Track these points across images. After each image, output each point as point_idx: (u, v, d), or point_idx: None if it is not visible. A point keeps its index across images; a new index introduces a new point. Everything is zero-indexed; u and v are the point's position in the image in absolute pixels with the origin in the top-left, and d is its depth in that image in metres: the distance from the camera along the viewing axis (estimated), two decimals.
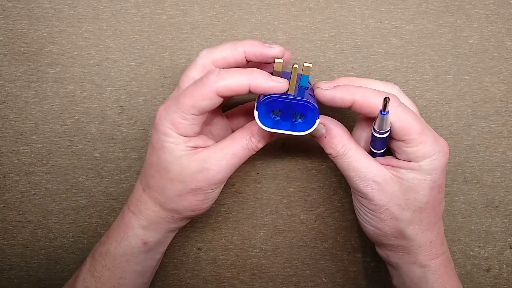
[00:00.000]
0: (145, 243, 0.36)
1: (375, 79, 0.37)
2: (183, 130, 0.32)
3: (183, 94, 0.32)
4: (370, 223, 0.35)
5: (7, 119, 0.42)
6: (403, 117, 0.32)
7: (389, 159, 0.35)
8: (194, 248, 0.44)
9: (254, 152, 0.35)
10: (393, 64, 0.42)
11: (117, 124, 0.42)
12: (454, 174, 0.43)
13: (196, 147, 0.33)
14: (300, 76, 0.34)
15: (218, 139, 0.36)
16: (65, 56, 0.41)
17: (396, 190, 0.33)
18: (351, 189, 0.35)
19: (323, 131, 0.34)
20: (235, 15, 0.41)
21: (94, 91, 0.42)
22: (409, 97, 0.42)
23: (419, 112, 0.42)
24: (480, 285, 0.44)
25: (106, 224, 0.43)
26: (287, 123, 0.33)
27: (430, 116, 0.42)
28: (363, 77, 0.35)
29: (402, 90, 0.42)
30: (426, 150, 0.32)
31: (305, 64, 0.33)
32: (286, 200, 0.43)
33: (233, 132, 0.37)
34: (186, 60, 0.41)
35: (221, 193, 0.41)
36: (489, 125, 0.43)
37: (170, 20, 0.41)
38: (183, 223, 0.37)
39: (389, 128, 0.33)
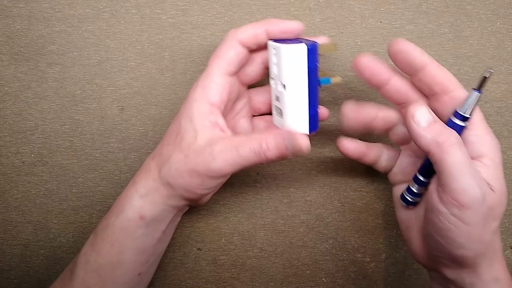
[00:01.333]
0: (142, 217, 0.35)
1: None
2: (211, 94, 0.34)
3: (211, 57, 0.35)
4: (461, 241, 0.31)
5: (7, 119, 0.42)
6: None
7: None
8: (194, 248, 0.44)
9: (261, 161, 0.33)
10: (393, 64, 0.42)
11: (117, 124, 0.42)
12: None
13: (215, 125, 0.34)
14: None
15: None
16: (65, 56, 0.41)
17: (494, 199, 0.31)
18: (450, 195, 0.30)
19: (431, 116, 0.31)
20: (235, 15, 0.41)
21: (94, 91, 0.42)
22: None
23: None
24: None
25: None
26: None
27: None
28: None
29: None
30: (489, 138, 0.32)
31: (335, 80, 0.35)
32: (286, 200, 0.43)
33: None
34: (186, 60, 0.41)
35: (221, 193, 0.41)
36: (489, 125, 0.42)
37: (170, 20, 0.41)
38: (178, 203, 0.35)
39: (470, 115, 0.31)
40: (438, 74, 0.32)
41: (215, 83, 0.34)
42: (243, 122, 0.39)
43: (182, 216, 0.39)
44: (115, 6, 0.41)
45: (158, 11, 0.41)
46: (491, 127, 0.42)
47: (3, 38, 0.41)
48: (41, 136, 0.42)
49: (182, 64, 0.42)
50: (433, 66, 0.32)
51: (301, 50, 0.32)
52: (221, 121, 0.34)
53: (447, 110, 0.32)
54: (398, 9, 0.41)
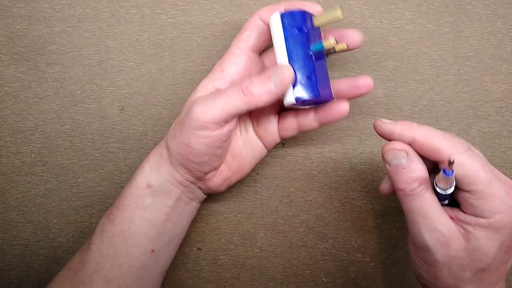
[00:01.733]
0: (149, 186, 0.35)
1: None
2: (225, 62, 0.35)
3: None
4: (423, 276, 0.32)
5: (7, 119, 0.42)
6: (468, 164, 0.29)
7: (456, 212, 0.31)
8: (194, 248, 0.44)
9: (248, 102, 0.32)
10: (393, 64, 0.42)
11: (117, 124, 0.42)
12: None
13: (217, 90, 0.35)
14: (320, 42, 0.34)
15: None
16: (65, 56, 0.41)
17: (461, 250, 0.30)
18: (410, 236, 0.32)
19: (404, 160, 0.31)
20: (235, 15, 0.41)
21: (94, 91, 0.42)
22: (409, 97, 0.42)
23: (419, 112, 0.42)
24: None
25: None
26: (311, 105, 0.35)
27: (430, 116, 0.42)
28: (425, 125, 0.32)
29: (402, 90, 0.42)
30: (495, 204, 0.29)
31: (340, 46, 0.33)
32: (286, 200, 0.43)
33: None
34: (186, 60, 0.41)
35: (221, 193, 0.41)
36: (489, 125, 0.43)
37: (170, 20, 0.41)
38: (180, 177, 0.35)
39: (453, 185, 0.30)
40: (427, 146, 0.31)
41: (232, 53, 0.35)
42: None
43: None
44: (115, 6, 0.41)
45: (158, 11, 0.41)
46: (491, 127, 0.43)
47: (3, 38, 0.41)
48: (41, 136, 0.42)
49: (182, 64, 0.42)
50: (420, 139, 0.31)
51: (275, 17, 0.33)
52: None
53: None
54: (398, 9, 0.41)
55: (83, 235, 0.43)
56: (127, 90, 0.42)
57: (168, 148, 0.35)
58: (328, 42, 0.32)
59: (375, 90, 0.42)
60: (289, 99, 0.33)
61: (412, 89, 0.42)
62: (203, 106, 0.32)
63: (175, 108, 0.42)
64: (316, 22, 0.33)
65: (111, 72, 0.41)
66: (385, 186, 0.36)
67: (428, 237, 0.30)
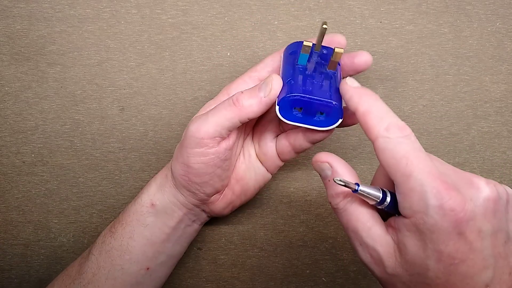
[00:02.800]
0: (152, 205, 0.36)
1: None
2: (233, 87, 0.35)
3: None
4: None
5: (7, 119, 0.42)
6: (390, 151, 0.26)
7: (392, 219, 0.27)
8: (194, 248, 0.44)
9: (240, 114, 0.31)
10: (393, 64, 0.42)
11: (117, 124, 0.42)
12: None
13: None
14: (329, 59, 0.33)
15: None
16: (65, 56, 0.41)
17: (397, 266, 0.26)
18: None
19: (329, 172, 0.29)
20: (235, 15, 0.41)
21: (94, 91, 0.42)
22: (409, 97, 0.42)
23: (419, 112, 0.42)
24: None
25: (106, 223, 0.43)
26: (309, 118, 0.32)
27: (430, 116, 0.42)
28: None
29: (402, 90, 0.42)
30: (413, 200, 0.25)
31: (336, 50, 0.31)
32: (286, 200, 0.43)
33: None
34: (186, 60, 0.41)
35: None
36: (489, 125, 0.43)
37: (170, 20, 0.41)
38: (185, 200, 0.35)
39: (381, 200, 0.27)
40: (361, 122, 0.28)
41: (242, 80, 0.35)
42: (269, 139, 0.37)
43: None
44: (115, 7, 0.41)
45: (158, 11, 0.41)
46: (491, 127, 0.43)
47: (3, 38, 0.41)
48: (41, 136, 0.42)
49: (182, 64, 0.42)
50: (359, 112, 0.28)
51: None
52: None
53: None
54: (398, 9, 0.41)
55: (83, 235, 0.44)
56: (127, 90, 0.42)
57: (172, 170, 0.35)
58: (303, 48, 0.32)
59: (375, 90, 0.42)
60: (276, 109, 0.32)
61: (412, 89, 0.42)
62: (197, 123, 0.32)
63: (175, 108, 0.42)
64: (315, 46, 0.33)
65: (111, 72, 0.42)
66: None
67: (361, 254, 0.28)
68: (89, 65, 0.41)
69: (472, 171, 0.43)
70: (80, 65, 0.41)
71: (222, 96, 0.35)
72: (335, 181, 0.27)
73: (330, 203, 0.29)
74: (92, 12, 0.41)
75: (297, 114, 0.32)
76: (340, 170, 0.29)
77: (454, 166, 0.43)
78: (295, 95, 0.31)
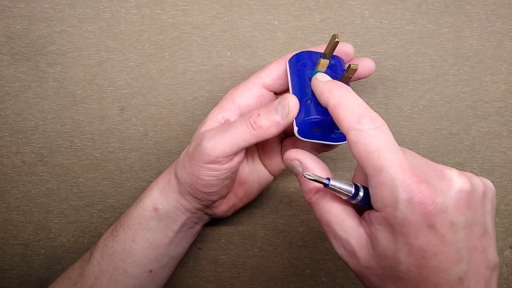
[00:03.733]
0: (155, 209, 0.36)
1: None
2: (237, 94, 0.34)
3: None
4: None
5: (8, 119, 0.42)
6: (363, 144, 0.26)
7: (366, 213, 0.28)
8: (194, 248, 0.44)
9: (257, 134, 0.31)
10: (393, 64, 0.42)
11: (117, 124, 0.42)
12: None
13: (226, 121, 0.34)
14: (342, 72, 0.33)
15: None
16: (65, 56, 0.41)
17: (370, 258, 0.26)
18: None
19: (300, 169, 0.29)
20: (235, 15, 0.41)
21: (94, 91, 0.42)
22: (409, 97, 0.42)
23: (419, 112, 0.42)
24: None
25: (106, 223, 0.43)
26: (327, 135, 0.33)
27: (430, 116, 0.42)
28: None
29: (402, 90, 0.42)
30: (384, 194, 0.25)
31: (352, 66, 0.30)
32: (286, 200, 0.43)
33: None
34: (186, 60, 0.41)
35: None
36: (489, 125, 0.43)
37: (170, 20, 0.41)
38: (189, 205, 0.36)
39: (353, 195, 0.27)
40: (334, 115, 0.28)
41: (246, 86, 0.35)
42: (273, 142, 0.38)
43: None
44: (116, 7, 0.41)
45: (158, 11, 0.41)
46: (491, 127, 0.43)
47: (3, 38, 0.41)
48: (41, 136, 0.42)
49: (182, 64, 0.42)
50: (330, 105, 0.28)
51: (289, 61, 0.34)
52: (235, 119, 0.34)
53: None
54: (398, 9, 0.41)
55: (83, 234, 0.44)
56: (127, 90, 0.42)
57: (177, 177, 0.35)
58: (320, 65, 0.32)
59: (375, 90, 0.42)
60: (294, 130, 0.32)
61: (412, 89, 0.42)
62: (213, 141, 0.32)
63: (175, 108, 0.42)
64: (324, 55, 0.33)
65: (111, 72, 0.42)
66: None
67: (336, 247, 0.28)
68: (89, 65, 0.41)
69: (472, 171, 0.43)
70: (80, 65, 0.41)
71: (227, 104, 0.35)
72: (305, 177, 0.27)
73: (304, 198, 0.29)
74: (92, 12, 0.41)
75: (315, 132, 0.32)
76: (310, 165, 0.29)
77: (454, 166, 0.43)
78: (316, 117, 0.31)
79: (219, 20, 0.41)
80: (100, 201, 0.43)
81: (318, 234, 0.44)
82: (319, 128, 0.32)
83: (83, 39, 0.41)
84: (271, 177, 0.39)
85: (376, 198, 0.25)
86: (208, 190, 0.34)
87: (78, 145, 0.42)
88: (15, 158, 0.42)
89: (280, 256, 0.44)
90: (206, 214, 0.38)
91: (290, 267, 0.44)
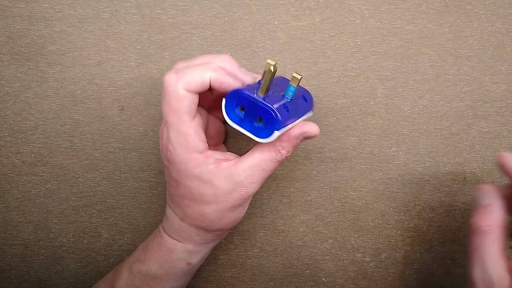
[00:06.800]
0: (189, 263, 0.37)
1: None
2: (194, 145, 0.32)
3: (164, 112, 0.32)
4: None
5: (7, 119, 0.42)
6: None
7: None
8: None
9: (280, 162, 0.34)
10: (393, 64, 0.42)
11: (117, 124, 0.42)
12: (454, 174, 0.43)
13: (219, 162, 0.33)
14: (288, 85, 0.33)
15: (216, 138, 0.37)
16: (65, 56, 0.41)
17: None
18: (468, 272, 0.33)
19: (490, 201, 0.34)
20: (235, 15, 0.41)
21: (94, 91, 0.42)
22: (409, 97, 0.42)
23: (419, 112, 0.42)
24: None
25: (106, 224, 0.43)
26: (250, 124, 0.32)
27: (430, 116, 0.42)
28: None
29: (402, 90, 0.42)
30: None
31: (294, 75, 0.32)
32: (286, 200, 0.43)
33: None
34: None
35: None
36: (489, 125, 0.43)
37: (170, 20, 0.41)
38: (226, 235, 0.39)
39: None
40: None
41: (191, 132, 0.33)
42: (210, 122, 0.38)
43: None
44: (115, 6, 0.41)
45: (158, 11, 0.41)
46: (491, 127, 0.43)
47: (3, 38, 0.41)
48: (41, 136, 0.42)
49: None
50: None
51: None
52: (219, 154, 0.34)
53: None
54: (398, 9, 0.41)
55: (83, 235, 0.44)
56: (127, 90, 0.42)
57: (217, 230, 0.36)
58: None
59: (375, 90, 0.42)
60: (222, 106, 0.32)
61: (412, 89, 0.42)
62: (252, 186, 0.34)
63: None
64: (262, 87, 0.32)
65: (111, 72, 0.42)
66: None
67: (476, 274, 0.32)
68: (89, 65, 0.41)
69: (472, 171, 0.43)
70: (80, 65, 0.41)
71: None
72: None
73: (478, 226, 0.33)
74: (92, 12, 0.41)
75: (240, 115, 0.32)
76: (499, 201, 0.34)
77: (454, 166, 0.43)
78: (239, 90, 0.31)
79: (219, 20, 0.41)
80: (99, 201, 0.43)
81: (318, 234, 0.44)
82: (244, 110, 0.32)
83: (83, 39, 0.41)
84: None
85: None
86: (245, 212, 0.37)
87: (78, 145, 0.42)
88: (15, 158, 0.42)
89: (280, 256, 0.44)
90: None
91: (290, 267, 0.44)
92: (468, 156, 0.43)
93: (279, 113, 0.31)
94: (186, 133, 0.32)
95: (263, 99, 0.31)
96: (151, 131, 0.42)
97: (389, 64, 0.42)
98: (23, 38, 0.41)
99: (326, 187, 0.43)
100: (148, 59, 0.41)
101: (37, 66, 0.41)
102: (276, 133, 0.31)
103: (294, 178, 0.43)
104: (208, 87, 0.32)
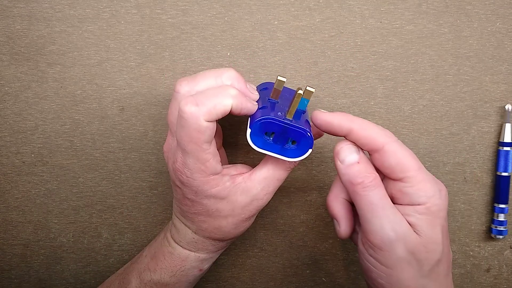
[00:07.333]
0: (200, 270, 0.38)
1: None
2: (212, 168, 0.32)
3: (182, 141, 0.31)
4: (383, 285, 0.31)
5: (7, 119, 0.42)
6: (399, 153, 0.30)
7: (401, 208, 0.31)
8: None
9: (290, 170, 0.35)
10: (393, 64, 0.42)
11: (117, 124, 0.42)
12: (454, 174, 0.43)
13: (234, 177, 0.34)
14: (293, 95, 0.33)
15: (218, 142, 0.38)
16: (65, 56, 0.41)
17: (417, 243, 0.29)
18: (367, 236, 0.30)
19: (358, 155, 0.31)
20: (235, 15, 0.41)
21: (94, 91, 0.42)
22: (409, 97, 0.42)
23: (419, 112, 0.42)
24: (480, 285, 0.45)
25: (106, 224, 0.43)
26: (278, 146, 0.32)
27: (430, 116, 0.42)
28: (362, 118, 0.32)
29: (402, 90, 0.42)
30: (427, 188, 0.30)
31: (308, 88, 0.32)
32: (286, 200, 0.43)
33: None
34: (186, 60, 0.41)
35: None
36: (489, 125, 0.43)
37: (170, 20, 0.41)
38: (226, 245, 0.39)
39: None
40: (363, 136, 0.31)
41: (210, 158, 0.32)
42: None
43: None
44: (115, 6, 0.41)
45: (158, 11, 0.41)
46: (491, 127, 0.43)
47: (3, 38, 0.41)
48: (41, 136, 0.42)
49: (182, 64, 0.42)
50: (356, 128, 0.31)
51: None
52: (233, 169, 0.35)
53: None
54: (398, 9, 0.41)
55: (83, 235, 0.44)
56: (127, 90, 0.42)
57: (231, 239, 0.37)
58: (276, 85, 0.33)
59: (375, 90, 0.42)
60: (247, 134, 0.32)
61: (412, 89, 0.42)
62: (268, 196, 0.35)
63: None
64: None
65: (111, 72, 0.42)
66: (344, 229, 0.33)
67: (390, 230, 0.29)
68: (89, 65, 0.41)
69: (472, 171, 0.43)
70: (80, 65, 0.41)
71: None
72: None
73: (361, 183, 0.31)
74: (92, 12, 0.41)
75: (268, 142, 0.32)
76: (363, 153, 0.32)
77: (454, 166, 0.43)
78: (271, 118, 0.31)
79: (219, 20, 0.41)
80: (99, 201, 0.43)
81: (318, 234, 0.44)
82: (273, 135, 0.32)
83: (83, 39, 0.41)
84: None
85: (419, 193, 0.30)
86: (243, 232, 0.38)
87: (78, 145, 0.42)
88: (15, 158, 0.42)
89: (280, 256, 0.44)
90: None
91: (290, 267, 0.44)
92: (468, 156, 0.43)
93: (310, 130, 0.31)
94: (204, 159, 0.31)
95: (295, 122, 0.31)
96: (151, 131, 0.42)
97: (389, 64, 0.42)
98: (23, 38, 0.41)
99: (326, 187, 0.43)
100: (148, 59, 0.41)
101: (37, 66, 0.41)
102: (310, 150, 0.32)
103: (294, 178, 0.43)
104: (228, 113, 0.31)
